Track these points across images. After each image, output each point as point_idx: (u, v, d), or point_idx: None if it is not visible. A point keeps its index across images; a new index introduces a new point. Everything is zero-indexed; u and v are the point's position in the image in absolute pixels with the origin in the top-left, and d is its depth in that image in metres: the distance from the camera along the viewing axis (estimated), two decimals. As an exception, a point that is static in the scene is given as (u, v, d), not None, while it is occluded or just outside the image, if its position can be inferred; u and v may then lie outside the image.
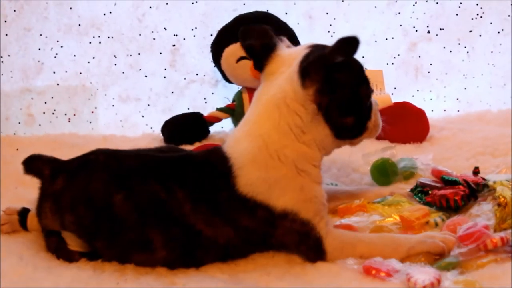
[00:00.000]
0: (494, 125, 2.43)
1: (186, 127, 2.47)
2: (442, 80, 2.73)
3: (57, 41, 2.62)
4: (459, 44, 2.71)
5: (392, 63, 2.71)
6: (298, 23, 2.62)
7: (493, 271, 1.35)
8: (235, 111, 2.46)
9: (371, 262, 1.41)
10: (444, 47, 2.72)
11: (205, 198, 1.49)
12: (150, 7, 2.63)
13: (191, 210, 1.48)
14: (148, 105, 2.69)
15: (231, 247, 1.51)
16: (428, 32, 2.71)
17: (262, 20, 2.46)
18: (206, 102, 2.69)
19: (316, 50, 1.53)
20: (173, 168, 1.55)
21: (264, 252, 1.55)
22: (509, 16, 2.68)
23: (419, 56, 2.72)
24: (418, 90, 2.73)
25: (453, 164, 1.98)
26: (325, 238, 1.49)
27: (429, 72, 2.73)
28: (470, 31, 2.70)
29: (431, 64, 2.73)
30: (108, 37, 2.63)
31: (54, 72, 2.63)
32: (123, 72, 2.66)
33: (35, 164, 1.66)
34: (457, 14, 2.69)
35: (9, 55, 2.61)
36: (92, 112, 2.67)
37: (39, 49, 2.61)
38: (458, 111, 2.72)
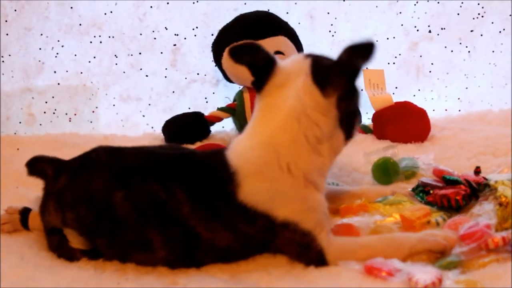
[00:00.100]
0: (495, 125, 2.43)
1: (187, 126, 2.47)
2: (444, 80, 2.73)
3: (58, 41, 2.62)
4: (460, 43, 2.71)
5: (393, 63, 2.71)
6: (299, 23, 2.62)
7: (495, 270, 1.35)
8: (236, 110, 2.46)
9: (372, 262, 1.41)
10: (445, 47, 2.71)
11: (204, 202, 1.48)
12: (151, 7, 2.63)
13: (190, 212, 1.48)
14: (149, 104, 2.68)
15: (231, 251, 1.51)
16: (429, 31, 2.71)
17: (263, 19, 2.46)
18: (207, 102, 2.69)
19: (321, 59, 1.55)
20: (174, 167, 1.54)
21: (265, 252, 1.55)
22: (510, 15, 2.67)
23: (420, 56, 2.72)
24: (419, 90, 2.73)
25: (455, 164, 1.98)
26: (326, 249, 1.47)
27: (430, 71, 2.73)
28: (472, 31, 2.70)
29: (432, 64, 2.73)
30: (109, 37, 2.63)
31: (55, 72, 2.63)
32: (124, 72, 2.66)
33: (38, 166, 1.67)
34: (458, 14, 2.69)
35: (10, 55, 2.61)
36: (93, 111, 2.67)
37: (40, 48, 2.61)
38: (459, 110, 2.72)
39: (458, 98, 2.74)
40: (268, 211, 1.47)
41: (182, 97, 2.69)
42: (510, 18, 2.67)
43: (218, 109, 2.51)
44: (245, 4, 2.61)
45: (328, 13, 2.67)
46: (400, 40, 2.71)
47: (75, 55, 2.63)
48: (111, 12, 2.62)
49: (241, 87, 2.48)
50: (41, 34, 2.61)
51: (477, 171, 1.80)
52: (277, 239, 1.49)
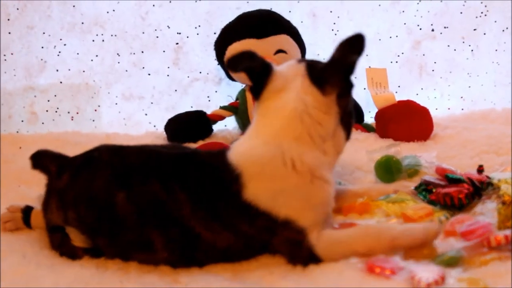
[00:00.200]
0: (498, 124, 2.43)
1: (189, 125, 2.47)
2: (446, 79, 2.73)
3: (60, 39, 2.62)
4: (463, 42, 2.71)
5: (396, 61, 2.71)
6: (301, 21, 2.62)
7: (497, 269, 1.34)
8: (238, 109, 2.46)
9: (374, 260, 1.40)
10: (448, 46, 2.71)
11: (205, 203, 1.48)
12: (154, 5, 2.63)
13: (191, 213, 1.47)
14: (152, 103, 2.68)
15: (232, 251, 1.50)
16: (432, 30, 2.70)
17: (266, 18, 2.46)
18: (209, 100, 2.69)
19: (314, 62, 1.59)
20: (176, 167, 1.54)
21: (265, 253, 1.54)
22: (513, 14, 2.68)
23: (423, 55, 2.72)
24: (422, 89, 2.73)
25: (457, 162, 1.98)
26: (316, 245, 1.46)
27: (433, 70, 2.73)
28: (475, 29, 2.70)
29: (435, 63, 2.72)
30: (111, 35, 2.63)
31: (57, 70, 2.63)
32: (126, 70, 2.66)
33: (42, 160, 1.67)
34: (461, 12, 2.69)
35: (12, 53, 2.61)
36: (95, 110, 2.67)
37: (42, 47, 2.61)
38: (462, 109, 2.72)
39: (461, 97, 2.74)
40: (271, 210, 1.46)
41: (184, 96, 2.69)
42: (513, 17, 2.68)
43: (221, 107, 2.51)
44: (247, 2, 2.61)
45: (331, 11, 2.66)
46: (403, 39, 2.71)
47: (78, 53, 2.63)
48: (114, 10, 2.62)
49: (244, 85, 2.48)
50: (43, 33, 2.61)
51: (480, 169, 1.80)
52: (275, 238, 1.48)
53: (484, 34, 2.70)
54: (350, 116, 1.61)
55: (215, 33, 2.54)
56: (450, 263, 1.39)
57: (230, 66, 1.61)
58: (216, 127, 2.53)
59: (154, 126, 2.66)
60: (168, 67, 2.67)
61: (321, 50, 2.63)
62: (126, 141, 2.38)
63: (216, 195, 1.48)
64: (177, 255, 1.50)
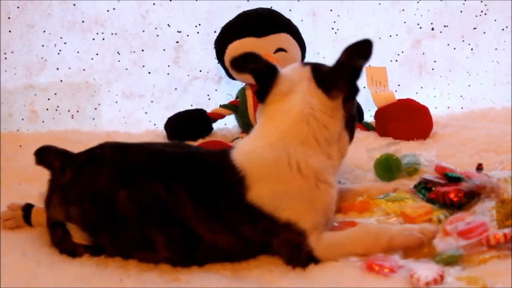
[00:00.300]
0: (497, 122, 2.44)
1: (189, 123, 2.47)
2: (446, 77, 2.73)
3: (61, 38, 2.62)
4: (463, 41, 2.71)
5: (396, 60, 2.71)
6: (302, 20, 2.62)
7: (496, 267, 1.35)
8: (238, 107, 2.46)
9: (374, 258, 1.41)
10: (448, 44, 2.71)
11: (207, 203, 1.48)
12: (154, 4, 2.63)
13: (192, 213, 1.48)
14: (152, 101, 2.69)
15: (232, 252, 1.51)
16: (432, 29, 2.70)
17: (266, 17, 2.47)
18: (209, 99, 2.69)
19: (319, 65, 1.59)
20: (179, 166, 1.53)
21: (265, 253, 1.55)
22: (512, 13, 2.68)
23: (423, 53, 2.72)
24: (422, 87, 2.73)
25: (457, 161, 1.98)
26: (316, 248, 1.46)
27: (433, 69, 2.73)
28: (474, 28, 2.70)
29: (435, 61, 2.72)
30: (112, 34, 2.64)
31: (57, 69, 2.63)
32: (126, 69, 2.66)
33: (46, 156, 1.67)
34: (461, 11, 2.69)
35: (12, 52, 2.61)
36: (96, 108, 2.67)
37: (43, 45, 2.62)
38: (462, 108, 2.72)
39: (461, 96, 2.74)
40: (273, 212, 1.46)
41: (184, 94, 2.69)
42: (513, 16, 2.68)
43: (221, 106, 2.51)
44: (248, 1, 2.61)
45: (331, 10, 2.66)
46: (403, 38, 2.71)
47: (78, 52, 2.63)
48: (114, 9, 2.62)
49: (244, 84, 2.48)
50: (44, 31, 2.61)
51: (479, 168, 1.80)
52: (275, 240, 1.48)
53: (484, 33, 2.70)
54: (354, 119, 1.62)
55: (215, 32, 2.54)
56: (449, 262, 1.39)
57: (234, 66, 1.61)
58: (216, 125, 2.53)
59: (154, 124, 2.66)
60: (168, 66, 2.67)
61: (321, 49, 2.63)
62: (126, 139, 2.37)
63: (218, 196, 1.48)
64: (178, 254, 1.50)
